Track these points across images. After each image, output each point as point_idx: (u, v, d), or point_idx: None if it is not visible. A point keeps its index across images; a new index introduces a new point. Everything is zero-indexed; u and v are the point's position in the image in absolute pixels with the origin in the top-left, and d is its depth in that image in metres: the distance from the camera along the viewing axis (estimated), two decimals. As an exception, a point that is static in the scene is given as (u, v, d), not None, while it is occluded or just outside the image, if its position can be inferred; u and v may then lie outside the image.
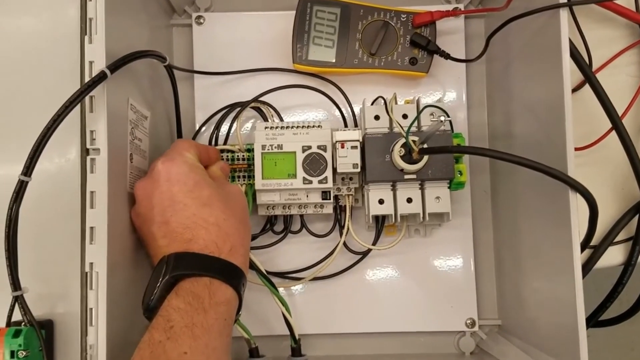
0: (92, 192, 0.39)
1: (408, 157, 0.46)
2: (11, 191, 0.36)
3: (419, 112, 0.48)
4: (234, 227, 0.42)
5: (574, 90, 0.54)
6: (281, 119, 0.55)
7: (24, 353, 0.36)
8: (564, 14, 0.40)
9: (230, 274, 0.40)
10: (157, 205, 0.41)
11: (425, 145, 0.45)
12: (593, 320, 0.54)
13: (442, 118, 0.39)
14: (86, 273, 0.38)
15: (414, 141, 0.46)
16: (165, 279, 0.38)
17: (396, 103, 0.50)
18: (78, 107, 0.38)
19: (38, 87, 0.43)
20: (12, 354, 0.36)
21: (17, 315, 0.37)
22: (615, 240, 0.53)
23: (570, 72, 0.40)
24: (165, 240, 0.41)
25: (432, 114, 0.48)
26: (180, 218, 0.40)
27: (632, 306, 0.54)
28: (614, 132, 0.48)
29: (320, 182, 0.49)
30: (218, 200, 0.42)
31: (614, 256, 0.54)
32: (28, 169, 0.36)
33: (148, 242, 0.42)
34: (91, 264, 0.38)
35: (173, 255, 0.39)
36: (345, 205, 0.52)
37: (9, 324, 0.37)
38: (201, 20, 0.56)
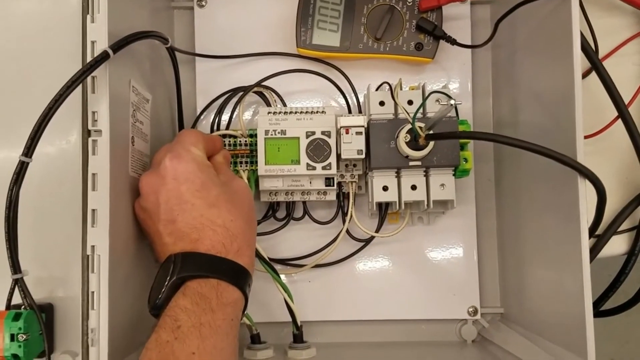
0: (94, 174, 0.38)
1: (414, 144, 0.46)
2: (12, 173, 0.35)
3: (425, 98, 0.47)
4: (240, 228, 0.41)
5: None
6: (284, 104, 0.54)
7: (24, 336, 0.36)
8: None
9: (237, 275, 0.40)
10: (164, 203, 0.40)
11: (432, 131, 0.44)
12: (595, 310, 0.54)
13: (452, 102, 0.38)
14: (88, 256, 0.38)
15: (420, 127, 0.45)
16: (173, 280, 0.38)
17: (401, 89, 0.49)
18: (79, 89, 0.37)
19: (39, 68, 0.42)
20: (12, 337, 0.36)
21: (17, 299, 0.37)
22: (619, 229, 0.53)
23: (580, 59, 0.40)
24: (172, 238, 0.40)
25: (437, 100, 0.48)
26: (187, 218, 0.40)
27: (633, 296, 0.54)
28: (619, 121, 0.48)
29: (324, 168, 0.49)
30: (225, 201, 0.41)
31: (617, 245, 0.54)
32: (29, 150, 0.35)
33: (153, 237, 0.42)
34: (93, 247, 0.37)
35: (180, 255, 0.39)
36: (348, 192, 0.51)
37: (8, 307, 0.37)
38: (203, 3, 0.55)
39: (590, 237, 0.49)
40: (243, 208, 0.43)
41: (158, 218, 0.40)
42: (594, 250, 0.52)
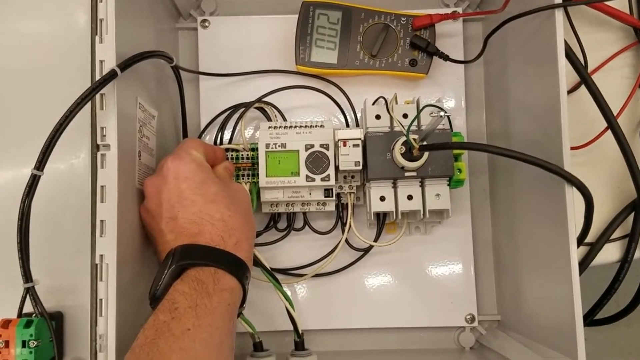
0: (102, 187, 0.40)
1: (409, 155, 0.48)
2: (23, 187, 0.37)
3: (419, 111, 0.49)
4: (239, 223, 0.43)
5: (570, 91, 0.55)
6: (284, 119, 0.56)
7: (35, 343, 0.37)
8: (559, 14, 0.42)
9: (235, 266, 0.41)
10: (166, 201, 0.42)
11: (425, 143, 0.46)
12: (590, 319, 0.55)
13: (442, 113, 0.40)
14: (96, 265, 0.39)
15: (414, 139, 0.47)
16: (172, 269, 0.39)
17: (397, 103, 0.51)
18: (88, 107, 0.39)
19: (49, 86, 0.44)
20: (24, 343, 0.37)
21: (28, 307, 0.38)
22: (612, 237, 0.54)
23: (566, 71, 0.41)
24: (173, 235, 0.42)
25: (431, 113, 0.50)
26: (187, 214, 0.42)
27: (627, 305, 0.55)
28: (609, 133, 0.49)
29: (322, 179, 0.50)
30: (223, 197, 0.43)
31: (610, 253, 0.55)
32: (41, 164, 0.37)
33: (156, 238, 0.43)
34: (101, 256, 0.39)
35: (180, 247, 0.40)
36: (347, 203, 0.53)
37: (20, 314, 0.38)
38: (206, 24, 0.58)
39: (580, 244, 0.50)
40: (241, 206, 0.45)
41: (160, 217, 0.42)
42: (587, 258, 0.53)
